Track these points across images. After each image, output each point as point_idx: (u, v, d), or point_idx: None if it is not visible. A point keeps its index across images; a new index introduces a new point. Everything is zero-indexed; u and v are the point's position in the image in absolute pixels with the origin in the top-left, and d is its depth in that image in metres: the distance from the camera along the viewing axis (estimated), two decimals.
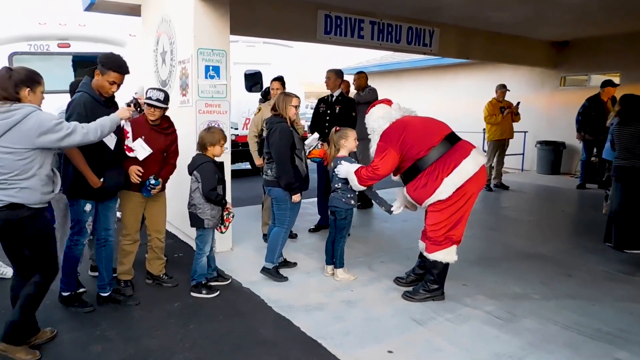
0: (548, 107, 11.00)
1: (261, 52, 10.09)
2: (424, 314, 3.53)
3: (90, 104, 3.30)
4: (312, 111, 6.30)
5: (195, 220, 3.85)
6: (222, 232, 4.04)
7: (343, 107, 5.56)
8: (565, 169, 10.52)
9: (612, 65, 9.76)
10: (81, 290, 3.70)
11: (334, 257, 4.21)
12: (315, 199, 6.18)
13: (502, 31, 8.77)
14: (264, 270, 4.22)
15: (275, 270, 4.22)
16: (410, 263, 4.30)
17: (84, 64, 7.79)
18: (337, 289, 4.00)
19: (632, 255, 4.95)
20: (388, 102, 3.89)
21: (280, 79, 5.35)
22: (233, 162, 5.03)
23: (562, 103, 10.64)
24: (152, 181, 3.75)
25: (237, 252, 4.94)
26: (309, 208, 6.82)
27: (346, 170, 3.89)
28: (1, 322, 3.35)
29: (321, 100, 5.77)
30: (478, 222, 6.15)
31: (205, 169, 3.74)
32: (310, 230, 5.70)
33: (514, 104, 8.51)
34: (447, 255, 3.64)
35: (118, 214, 5.64)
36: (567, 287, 4.12)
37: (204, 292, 3.87)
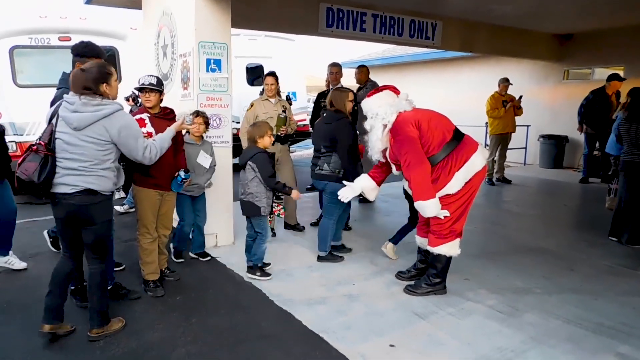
0: (551, 101, 10.96)
1: (263, 45, 10.03)
2: (426, 308, 3.53)
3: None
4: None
5: (252, 208, 3.98)
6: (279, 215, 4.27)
7: None
8: (568, 163, 10.49)
9: (617, 59, 9.70)
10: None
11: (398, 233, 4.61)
12: (317, 193, 6.17)
13: (505, 24, 8.71)
14: (320, 258, 4.52)
15: (330, 254, 4.52)
16: (412, 257, 4.29)
17: None
18: (338, 283, 4.00)
19: (635, 250, 4.93)
20: (394, 89, 3.79)
21: (273, 74, 5.25)
22: (235, 156, 5.02)
23: (566, 97, 10.59)
24: (183, 175, 3.79)
25: (239, 246, 4.91)
26: (310, 202, 6.82)
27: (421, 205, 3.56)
28: (8, 316, 3.37)
29: (322, 95, 5.75)
30: (480, 217, 6.13)
31: (260, 158, 3.91)
32: (312, 224, 5.70)
33: (517, 98, 8.47)
34: (451, 248, 3.64)
35: (119, 208, 5.63)
36: (570, 281, 4.11)
37: (258, 274, 4.09)
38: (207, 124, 4.26)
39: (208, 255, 4.61)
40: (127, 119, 2.97)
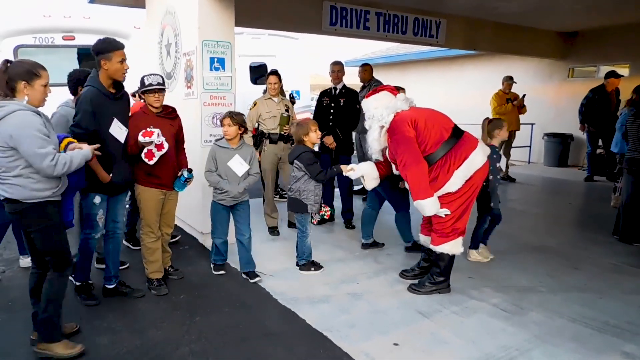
0: (556, 99, 10.90)
1: (266, 44, 10.01)
2: (429, 307, 3.52)
3: (98, 98, 3.26)
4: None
5: (299, 206, 4.06)
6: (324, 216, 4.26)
7: (347, 100, 5.53)
8: (573, 162, 10.43)
9: (622, 56, 9.63)
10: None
11: (472, 238, 4.49)
12: None
13: (509, 22, 8.67)
14: (408, 249, 4.67)
15: (416, 244, 4.54)
16: (415, 255, 4.29)
17: (89, 56, 7.78)
18: (342, 281, 4.00)
19: (638, 248, 4.90)
20: (392, 90, 3.79)
21: (276, 73, 5.23)
22: None
23: (571, 95, 10.52)
24: (186, 174, 3.77)
25: None
26: None
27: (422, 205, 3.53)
28: (13, 314, 3.38)
29: (324, 94, 5.73)
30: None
31: (305, 158, 3.99)
32: (315, 223, 5.69)
33: (520, 96, 8.44)
34: (454, 247, 3.63)
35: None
36: (574, 279, 4.09)
37: (312, 269, 4.18)
38: (240, 125, 3.84)
39: (257, 275, 4.01)
40: (25, 119, 2.56)
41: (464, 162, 3.46)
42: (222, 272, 4.18)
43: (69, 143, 2.96)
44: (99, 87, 3.29)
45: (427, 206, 3.48)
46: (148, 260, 3.83)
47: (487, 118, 4.46)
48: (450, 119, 3.68)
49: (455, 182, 3.47)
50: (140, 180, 3.74)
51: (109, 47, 3.25)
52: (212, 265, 4.25)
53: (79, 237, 3.86)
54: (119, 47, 3.29)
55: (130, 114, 3.64)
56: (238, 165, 3.88)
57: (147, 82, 3.66)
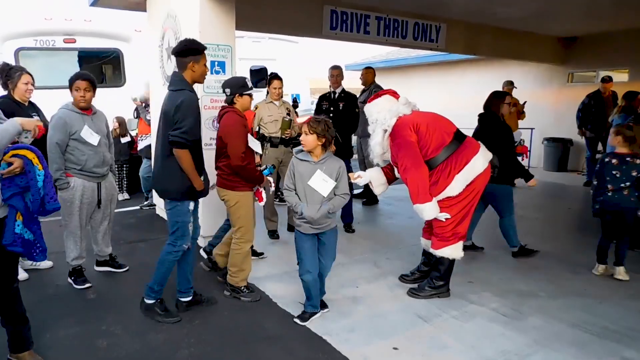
0: (555, 104, 10.92)
1: (267, 47, 10.08)
2: (429, 311, 3.52)
3: (197, 103, 3.10)
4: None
5: None
6: None
7: (346, 104, 5.54)
8: (573, 166, 10.44)
9: (621, 62, 9.67)
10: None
11: (617, 256, 4.29)
12: None
13: (509, 27, 8.70)
14: (515, 254, 4.75)
15: (523, 248, 4.75)
16: (415, 259, 4.29)
17: (89, 59, 7.81)
18: (342, 285, 3.99)
19: (637, 253, 4.90)
20: (394, 94, 3.79)
21: (278, 77, 5.20)
22: None
23: (570, 99, 10.53)
24: (268, 170, 3.76)
25: None
26: None
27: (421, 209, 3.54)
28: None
29: (322, 98, 5.75)
30: (484, 219, 6.08)
31: None
32: None
33: (520, 101, 8.46)
34: (454, 251, 3.63)
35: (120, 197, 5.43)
36: (574, 284, 4.09)
37: None
38: (319, 135, 3.10)
39: (325, 306, 3.49)
40: None
41: (465, 166, 3.47)
42: (317, 314, 3.38)
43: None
44: (193, 91, 3.10)
45: (426, 210, 3.50)
46: (241, 268, 3.66)
47: (627, 123, 4.14)
48: (453, 123, 3.69)
49: (455, 186, 3.47)
50: (239, 187, 3.57)
51: (198, 48, 3.10)
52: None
53: (80, 240, 3.85)
54: (205, 48, 3.16)
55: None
56: (320, 182, 3.13)
57: (250, 85, 3.68)
